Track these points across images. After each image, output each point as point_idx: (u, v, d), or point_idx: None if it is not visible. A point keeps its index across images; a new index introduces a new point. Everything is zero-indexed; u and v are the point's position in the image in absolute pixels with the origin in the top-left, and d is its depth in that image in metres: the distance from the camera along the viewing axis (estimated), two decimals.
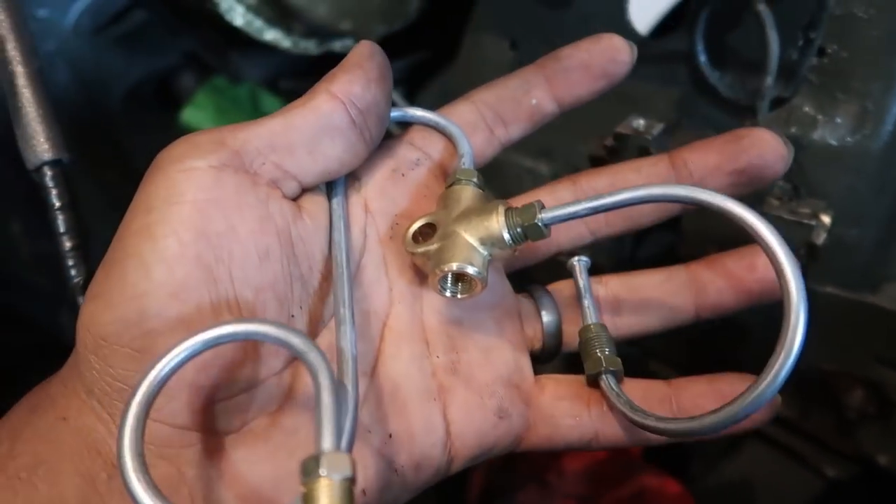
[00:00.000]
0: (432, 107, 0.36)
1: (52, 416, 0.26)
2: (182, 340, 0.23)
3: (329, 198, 0.31)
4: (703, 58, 0.41)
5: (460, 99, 0.35)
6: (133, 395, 0.23)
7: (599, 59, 0.33)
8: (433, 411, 0.30)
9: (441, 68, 0.64)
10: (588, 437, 0.31)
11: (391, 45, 0.63)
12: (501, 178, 0.54)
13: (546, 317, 0.34)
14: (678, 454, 0.58)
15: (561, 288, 0.36)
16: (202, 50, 0.75)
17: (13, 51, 0.37)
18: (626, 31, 0.47)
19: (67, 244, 0.33)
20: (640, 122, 0.41)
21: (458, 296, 0.30)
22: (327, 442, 0.21)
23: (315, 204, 0.30)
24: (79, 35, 0.69)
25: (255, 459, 0.26)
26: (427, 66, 0.66)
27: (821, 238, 0.37)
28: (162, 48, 0.74)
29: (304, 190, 0.30)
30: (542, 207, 0.28)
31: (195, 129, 0.75)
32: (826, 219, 0.38)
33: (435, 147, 0.34)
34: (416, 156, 0.34)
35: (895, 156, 0.39)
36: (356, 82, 0.29)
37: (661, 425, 0.28)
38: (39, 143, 0.33)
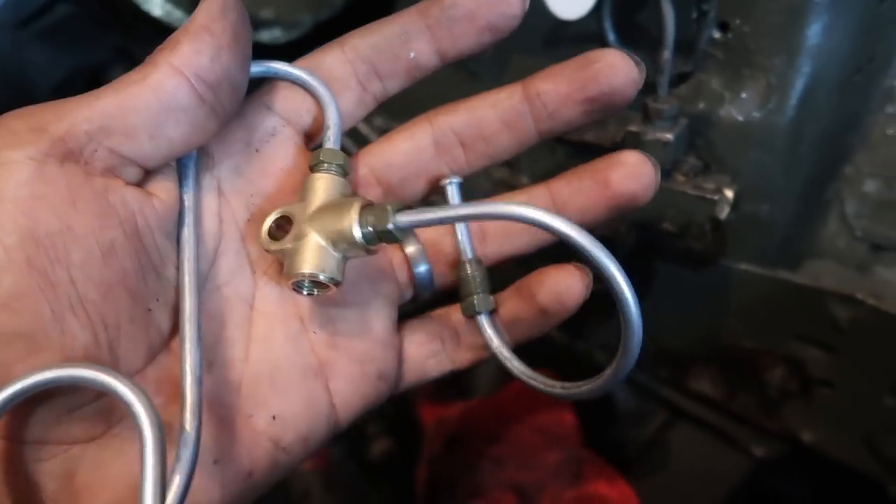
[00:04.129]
0: None
1: None
2: None
3: (179, 177, 0.29)
4: (611, 37, 0.41)
5: (332, 44, 0.31)
6: None
7: (486, 10, 0.29)
8: (315, 388, 0.30)
9: None
10: (448, 367, 0.34)
11: (317, 36, 0.62)
12: None
13: (417, 267, 0.34)
14: (613, 439, 0.58)
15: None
16: (133, 44, 0.74)
17: None
18: (540, 12, 0.46)
19: None
20: None
21: (315, 293, 0.29)
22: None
23: (164, 186, 0.28)
24: (0, 29, 0.67)
25: (127, 461, 0.25)
26: None
27: (724, 212, 0.37)
28: (91, 43, 0.73)
29: (149, 172, 0.27)
30: (398, 210, 0.27)
31: None
32: (729, 193, 0.38)
33: (296, 108, 0.31)
34: (273, 123, 0.31)
35: (803, 130, 0.39)
36: (204, 52, 0.25)
37: (523, 377, 0.32)
38: None
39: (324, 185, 0.29)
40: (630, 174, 0.31)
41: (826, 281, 0.42)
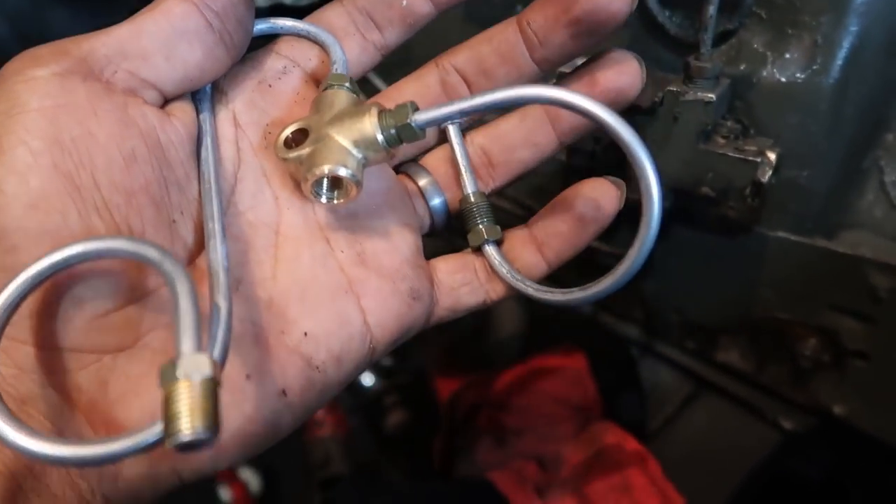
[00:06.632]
0: (387, 66, 0.35)
1: None
2: (26, 266, 0.22)
3: (197, 112, 0.30)
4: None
5: (332, 3, 0.34)
6: None
7: None
8: (347, 304, 0.30)
9: None
10: (482, 297, 0.34)
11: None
12: None
13: (432, 199, 0.34)
14: (635, 410, 0.58)
15: (436, 157, 0.35)
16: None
17: None
18: None
19: None
20: None
21: (335, 201, 0.29)
22: (186, 345, 0.21)
23: (184, 112, 0.29)
24: None
25: (141, 363, 0.25)
26: None
27: (766, 175, 0.36)
28: (108, 6, 0.72)
29: (168, 100, 0.29)
30: (416, 109, 0.28)
31: None
32: (772, 156, 0.37)
33: (304, 55, 0.33)
34: (282, 64, 0.33)
35: (847, 93, 0.38)
36: None
37: (538, 294, 0.32)
38: None
39: (338, 99, 0.30)
40: (618, 63, 0.32)
41: (864, 250, 0.41)
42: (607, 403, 0.59)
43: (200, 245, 0.28)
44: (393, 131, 0.28)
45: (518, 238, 0.34)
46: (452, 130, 0.33)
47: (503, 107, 0.29)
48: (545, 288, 0.32)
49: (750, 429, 0.50)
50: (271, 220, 0.30)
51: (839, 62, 0.37)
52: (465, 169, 0.33)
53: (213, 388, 0.20)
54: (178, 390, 0.19)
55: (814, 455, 0.50)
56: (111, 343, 0.25)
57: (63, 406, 0.24)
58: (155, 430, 0.20)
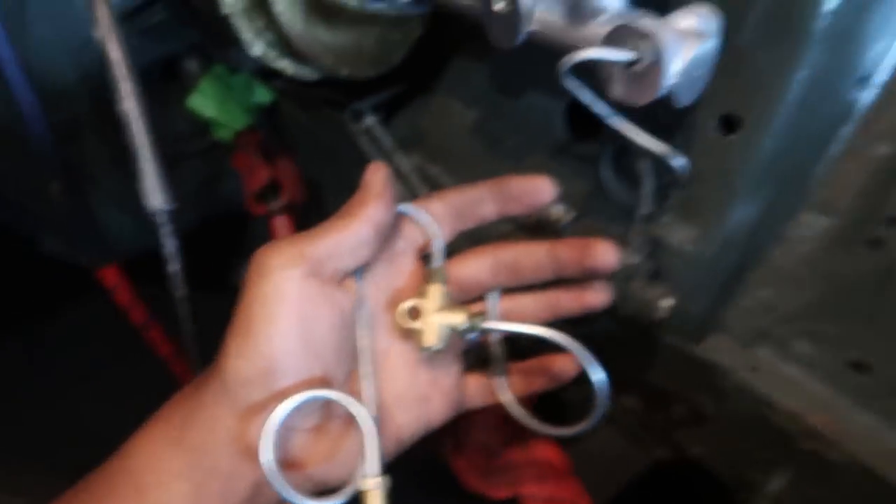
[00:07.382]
0: (403, 131, 0.58)
1: (207, 414, 0.41)
2: (288, 400, 0.40)
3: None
4: (607, 173, 0.57)
5: (436, 196, 0.50)
6: (264, 433, 0.40)
7: (528, 196, 0.49)
8: (422, 409, 0.49)
9: (413, 99, 0.78)
10: (487, 402, 0.53)
11: (376, 82, 0.75)
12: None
13: (471, 337, 0.52)
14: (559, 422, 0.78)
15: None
16: (206, 42, 0.86)
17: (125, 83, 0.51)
18: (558, 129, 0.62)
19: (174, 266, 0.50)
20: (560, 210, 0.58)
21: (425, 354, 0.48)
22: (371, 469, 0.41)
23: (351, 284, 0.46)
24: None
25: (332, 444, 0.44)
26: (401, 97, 0.80)
27: (661, 317, 0.56)
28: (174, 37, 0.85)
29: (346, 275, 0.46)
30: (484, 319, 0.47)
31: (200, 113, 0.88)
32: (667, 303, 0.56)
33: (414, 234, 0.50)
34: (402, 244, 0.49)
35: (721, 261, 0.57)
36: (381, 209, 0.44)
37: (529, 423, 0.52)
38: (156, 196, 0.50)
39: (438, 293, 0.48)
40: (597, 292, 0.51)
41: (720, 353, 0.61)
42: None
43: (355, 368, 0.46)
44: (471, 328, 0.46)
45: (516, 374, 0.54)
46: (491, 302, 0.51)
47: (533, 337, 0.48)
48: (536, 421, 0.52)
49: (632, 452, 0.72)
50: (385, 350, 0.48)
51: (717, 243, 0.55)
52: (495, 337, 0.52)
53: (385, 491, 0.41)
54: (368, 493, 0.40)
55: (678, 473, 0.72)
56: (309, 426, 0.44)
57: (289, 459, 0.43)
58: (347, 492, 0.41)
